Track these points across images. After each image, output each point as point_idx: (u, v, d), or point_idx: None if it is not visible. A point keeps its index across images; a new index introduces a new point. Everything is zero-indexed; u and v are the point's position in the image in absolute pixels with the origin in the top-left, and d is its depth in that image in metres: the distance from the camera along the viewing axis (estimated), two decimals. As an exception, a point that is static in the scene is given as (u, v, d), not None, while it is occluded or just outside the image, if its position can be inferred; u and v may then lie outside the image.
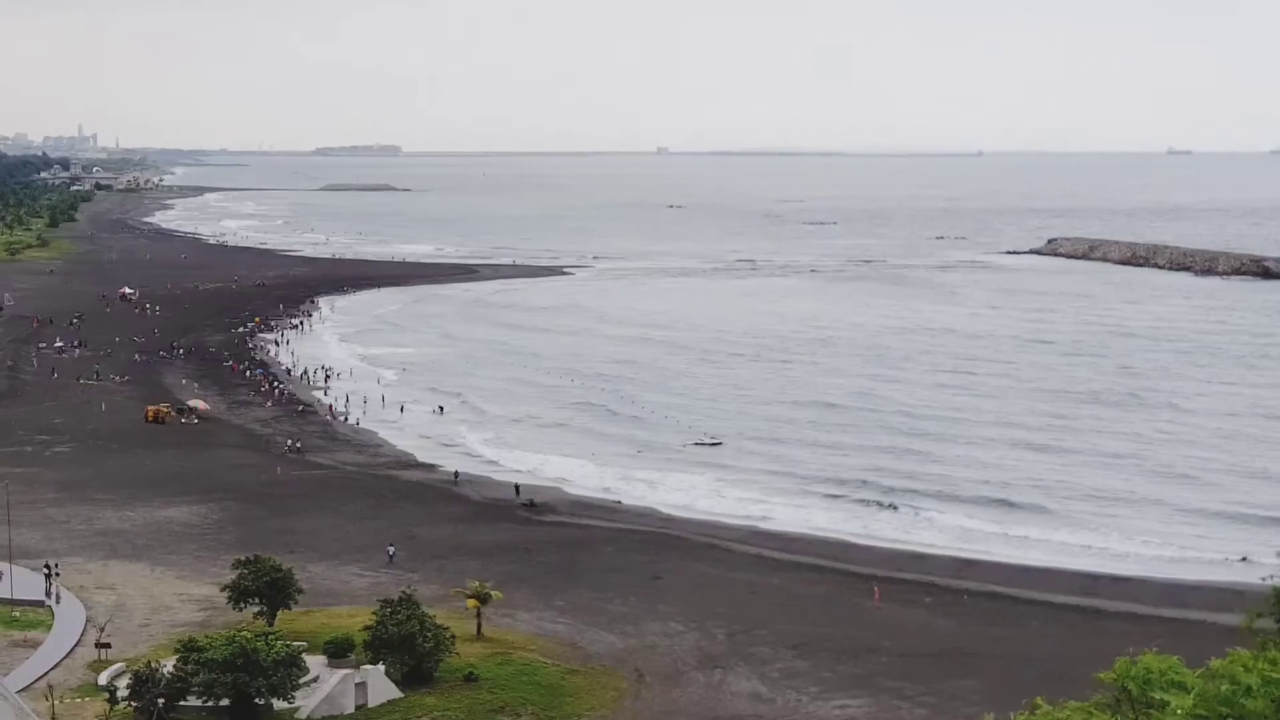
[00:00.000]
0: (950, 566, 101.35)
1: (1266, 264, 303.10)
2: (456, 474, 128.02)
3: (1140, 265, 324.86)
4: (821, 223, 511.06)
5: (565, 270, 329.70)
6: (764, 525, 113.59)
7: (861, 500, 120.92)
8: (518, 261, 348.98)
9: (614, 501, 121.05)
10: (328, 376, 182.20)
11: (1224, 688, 17.93)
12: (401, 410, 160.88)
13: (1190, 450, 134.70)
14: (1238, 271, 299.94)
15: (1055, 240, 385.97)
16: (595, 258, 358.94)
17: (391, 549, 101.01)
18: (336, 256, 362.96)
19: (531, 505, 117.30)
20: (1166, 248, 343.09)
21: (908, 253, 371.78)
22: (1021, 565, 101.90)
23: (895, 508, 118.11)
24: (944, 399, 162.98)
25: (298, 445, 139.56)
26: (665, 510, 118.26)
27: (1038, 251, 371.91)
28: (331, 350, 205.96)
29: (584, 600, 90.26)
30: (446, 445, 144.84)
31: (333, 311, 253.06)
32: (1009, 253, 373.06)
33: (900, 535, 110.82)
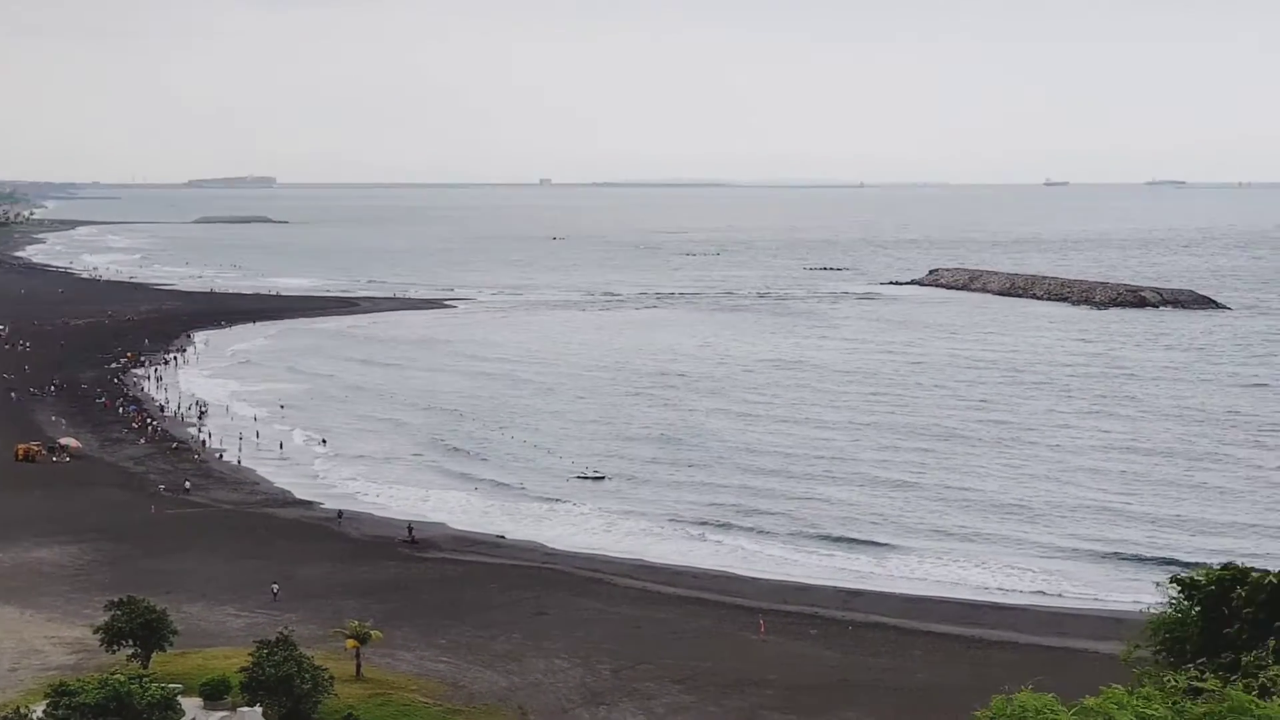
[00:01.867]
0: (835, 598, 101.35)
1: (1143, 294, 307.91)
2: (340, 513, 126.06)
3: (1019, 295, 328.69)
4: (704, 254, 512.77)
5: (447, 303, 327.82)
6: (648, 559, 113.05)
7: (743, 532, 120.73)
8: (398, 294, 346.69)
9: (497, 537, 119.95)
10: (202, 413, 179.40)
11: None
12: (281, 446, 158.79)
13: (1048, 486, 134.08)
14: (1114, 301, 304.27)
15: (936, 271, 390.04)
16: (477, 290, 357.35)
17: (276, 587, 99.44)
18: (212, 290, 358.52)
19: (413, 542, 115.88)
20: (1045, 278, 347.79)
21: (789, 284, 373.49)
22: (905, 595, 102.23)
23: (779, 539, 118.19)
24: (816, 431, 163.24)
25: (187, 485, 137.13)
26: (549, 545, 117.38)
27: (919, 282, 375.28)
28: (206, 386, 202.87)
29: (466, 638, 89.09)
30: (325, 482, 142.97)
31: (208, 346, 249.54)
32: (891, 283, 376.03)
33: (784, 568, 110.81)
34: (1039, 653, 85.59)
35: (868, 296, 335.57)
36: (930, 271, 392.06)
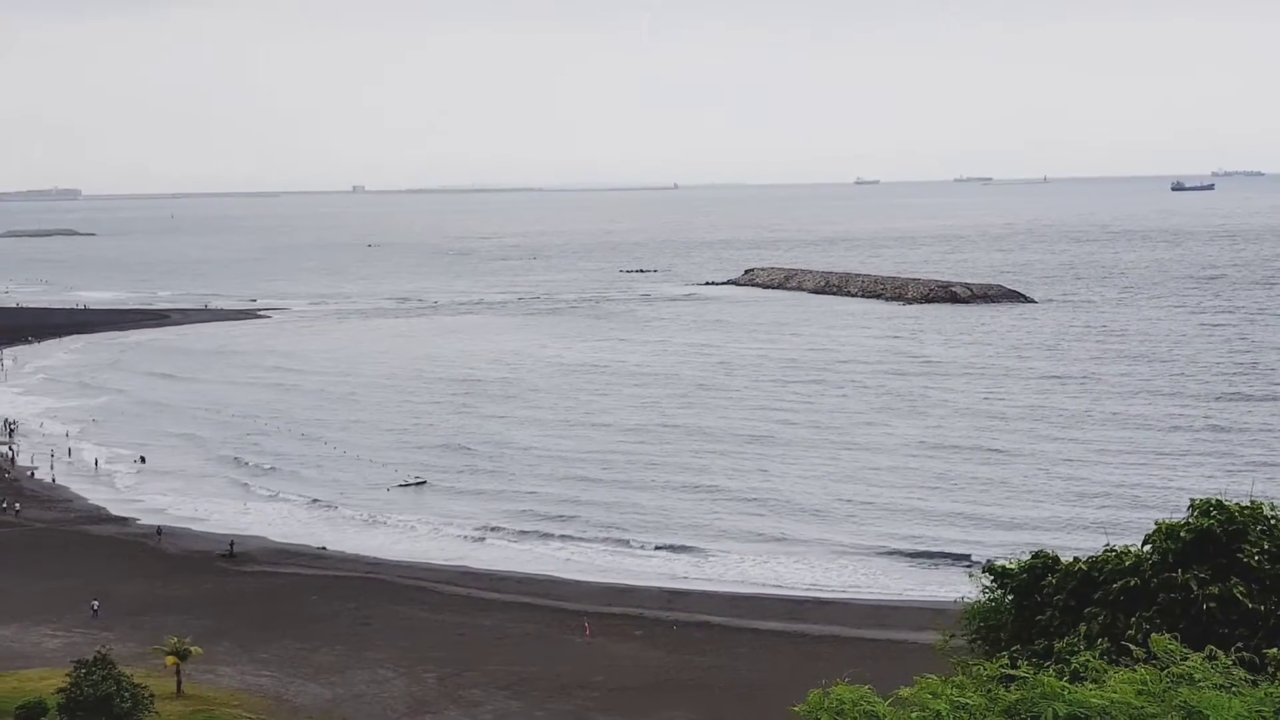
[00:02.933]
0: (659, 598, 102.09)
1: (954, 289, 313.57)
2: (159, 529, 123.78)
3: (834, 294, 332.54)
4: (518, 259, 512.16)
5: (260, 314, 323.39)
6: (471, 565, 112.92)
7: (562, 537, 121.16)
8: (210, 305, 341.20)
9: (318, 548, 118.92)
10: (12, 430, 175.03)
11: (914, 715, 17.94)
12: (96, 463, 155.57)
13: (857, 487, 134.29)
14: (926, 298, 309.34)
15: (752, 271, 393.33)
16: (291, 300, 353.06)
17: (95, 603, 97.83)
18: (18, 305, 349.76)
19: (231, 556, 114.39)
20: (858, 276, 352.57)
21: (604, 287, 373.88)
22: (728, 594, 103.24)
23: (599, 542, 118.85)
24: (628, 435, 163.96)
25: (18, 507, 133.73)
26: (371, 554, 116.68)
27: (735, 282, 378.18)
28: (15, 402, 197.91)
29: (289, 651, 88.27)
30: (140, 499, 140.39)
31: (15, 363, 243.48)
32: (707, 283, 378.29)
33: (606, 571, 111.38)
34: (862, 645, 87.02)
35: (683, 298, 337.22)
36: (746, 271, 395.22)
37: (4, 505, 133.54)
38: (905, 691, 17.54)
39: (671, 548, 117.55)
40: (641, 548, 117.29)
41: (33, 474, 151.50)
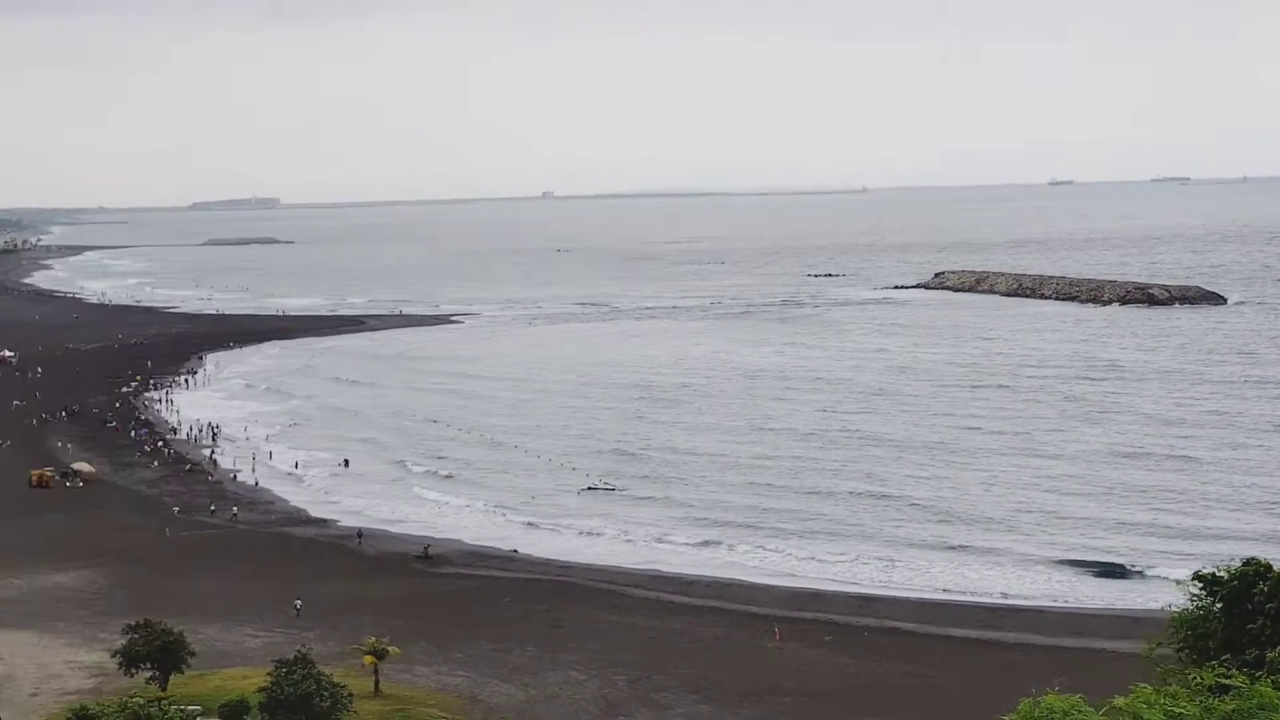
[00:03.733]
0: (850, 604, 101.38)
1: (1151, 291, 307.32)
2: (360, 532, 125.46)
3: (1027, 296, 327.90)
4: (706, 263, 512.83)
5: (453, 319, 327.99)
6: (661, 569, 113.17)
7: (756, 541, 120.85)
8: (405, 311, 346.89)
9: (510, 551, 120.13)
10: (215, 434, 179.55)
11: (1129, 727, 17.58)
12: (296, 466, 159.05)
13: (1047, 496, 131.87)
14: (1123, 300, 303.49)
15: (942, 274, 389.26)
16: (483, 305, 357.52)
17: (299, 603, 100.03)
18: (220, 312, 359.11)
19: (426, 558, 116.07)
20: (1053, 278, 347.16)
21: (792, 290, 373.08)
22: (919, 600, 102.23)
23: (792, 546, 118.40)
24: (817, 441, 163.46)
25: (212, 508, 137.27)
26: (562, 558, 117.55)
27: (925, 285, 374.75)
28: (218, 407, 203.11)
29: (482, 652, 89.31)
30: (339, 501, 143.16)
31: (218, 368, 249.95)
32: (896, 287, 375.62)
33: (798, 574, 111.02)
34: (1060, 654, 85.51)
35: (871, 302, 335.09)
36: (936, 274, 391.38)
37: (214, 509, 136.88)
38: (1120, 701, 17.18)
39: (861, 551, 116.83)
40: (830, 553, 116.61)
41: (235, 476, 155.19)
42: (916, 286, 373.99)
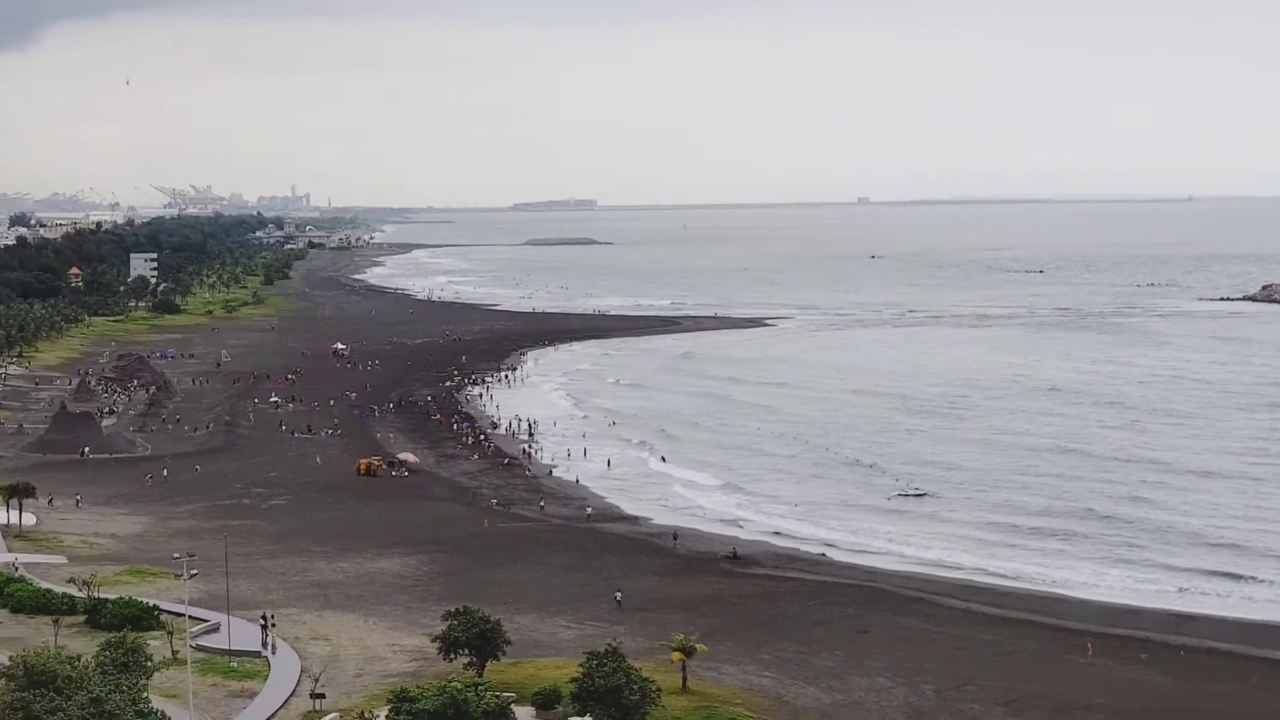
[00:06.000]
0: (1167, 621, 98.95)
1: None
2: (676, 533, 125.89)
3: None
4: (1027, 271, 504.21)
5: (766, 322, 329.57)
6: (973, 579, 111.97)
7: (1072, 553, 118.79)
8: (719, 313, 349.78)
9: (818, 554, 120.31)
10: (532, 430, 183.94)
11: None
12: (609, 464, 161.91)
13: None
14: None
15: (1271, 286, 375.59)
16: (797, 309, 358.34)
17: (619, 594, 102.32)
18: (538, 310, 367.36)
19: (735, 558, 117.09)
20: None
21: (1116, 301, 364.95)
22: (1241, 621, 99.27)
23: (1107, 560, 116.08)
24: (1158, 447, 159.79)
25: (542, 505, 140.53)
26: (870, 563, 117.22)
27: (1252, 298, 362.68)
28: (536, 403, 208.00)
29: (789, 654, 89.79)
30: (652, 498, 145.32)
31: (537, 365, 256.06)
32: (1222, 299, 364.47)
33: (1114, 589, 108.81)
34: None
35: (1195, 314, 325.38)
36: (1264, 287, 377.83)
37: (544, 505, 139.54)
38: None
39: (1185, 565, 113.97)
40: (1149, 568, 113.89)
41: (551, 472, 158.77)
42: (1242, 299, 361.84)
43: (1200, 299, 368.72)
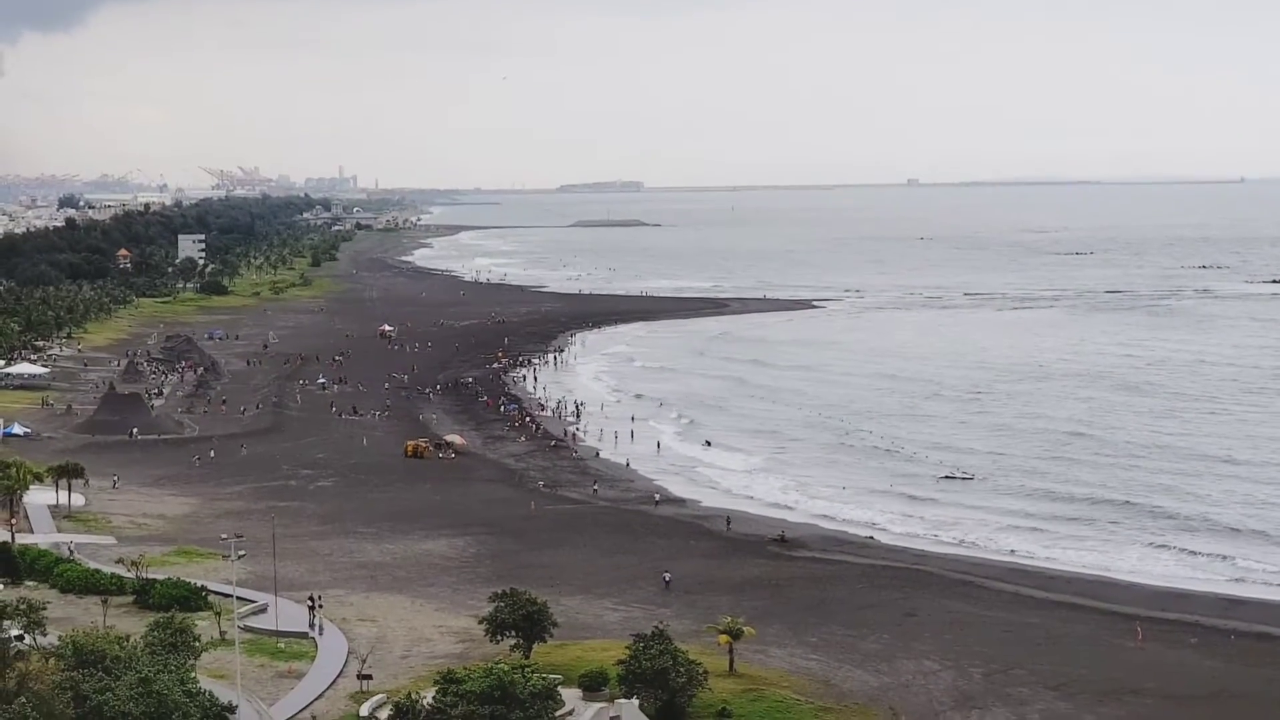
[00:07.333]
0: (1217, 605, 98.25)
1: None
2: (729, 518, 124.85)
3: None
4: (1075, 253, 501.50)
5: (815, 304, 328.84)
6: (1020, 562, 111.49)
7: (1120, 537, 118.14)
8: (767, 295, 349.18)
9: (866, 537, 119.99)
10: (579, 411, 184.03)
11: None
12: (658, 446, 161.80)
13: None
14: None
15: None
16: (845, 291, 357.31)
17: (668, 575, 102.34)
18: (587, 292, 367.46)
19: (783, 541, 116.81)
20: None
21: (1165, 283, 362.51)
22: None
23: (1155, 544, 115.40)
24: (1204, 432, 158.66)
25: (595, 488, 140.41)
26: (918, 546, 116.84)
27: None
28: (583, 385, 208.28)
29: (836, 637, 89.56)
30: (699, 481, 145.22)
31: (584, 346, 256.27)
32: (1274, 281, 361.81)
33: (1162, 572, 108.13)
34: None
35: (1246, 296, 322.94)
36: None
37: (594, 489, 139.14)
38: None
39: (1234, 549, 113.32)
40: (1200, 551, 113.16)
41: (598, 454, 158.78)
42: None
43: (1252, 281, 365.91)
